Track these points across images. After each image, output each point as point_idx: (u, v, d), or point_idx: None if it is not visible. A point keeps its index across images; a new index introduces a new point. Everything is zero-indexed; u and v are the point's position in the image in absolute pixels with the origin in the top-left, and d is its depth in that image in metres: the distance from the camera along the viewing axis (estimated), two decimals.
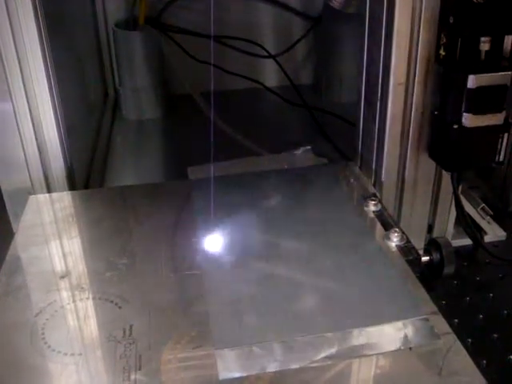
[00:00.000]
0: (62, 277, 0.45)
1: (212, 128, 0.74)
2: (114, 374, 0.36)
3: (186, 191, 0.58)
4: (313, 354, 0.38)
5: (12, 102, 0.55)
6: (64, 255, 0.49)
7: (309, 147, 0.81)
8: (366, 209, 0.54)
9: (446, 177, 0.59)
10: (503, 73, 0.50)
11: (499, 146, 0.54)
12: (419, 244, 0.55)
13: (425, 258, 0.50)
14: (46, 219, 0.54)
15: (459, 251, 0.60)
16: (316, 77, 1.08)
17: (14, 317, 0.42)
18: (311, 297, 0.44)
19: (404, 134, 0.57)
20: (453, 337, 0.39)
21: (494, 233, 0.67)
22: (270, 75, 1.07)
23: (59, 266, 0.47)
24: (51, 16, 0.57)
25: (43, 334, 0.40)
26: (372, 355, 0.38)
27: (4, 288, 0.44)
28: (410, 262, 0.47)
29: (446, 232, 0.65)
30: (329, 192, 0.58)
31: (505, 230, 0.67)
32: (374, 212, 0.54)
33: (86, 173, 0.78)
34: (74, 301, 0.43)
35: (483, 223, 0.66)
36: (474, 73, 0.50)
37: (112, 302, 0.43)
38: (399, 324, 0.40)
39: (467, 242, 0.62)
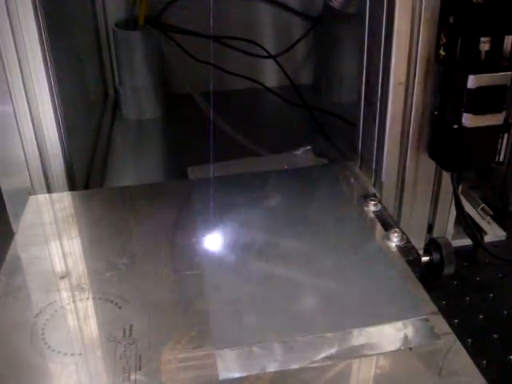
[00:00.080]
0: (62, 277, 0.45)
1: (212, 128, 0.74)
2: (114, 374, 0.36)
3: (186, 191, 0.58)
4: (313, 354, 0.38)
5: (12, 101, 0.55)
6: (64, 255, 0.49)
7: (309, 147, 0.81)
8: (365, 209, 0.54)
9: (446, 177, 0.59)
10: (503, 73, 0.50)
11: (499, 146, 0.54)
12: (419, 244, 0.55)
13: (425, 258, 0.50)
14: (46, 219, 0.54)
15: (459, 251, 0.60)
16: (316, 77, 1.08)
17: (14, 317, 0.42)
18: (311, 297, 0.44)
19: (404, 134, 0.57)
20: (453, 337, 0.39)
21: (494, 233, 0.67)
22: (270, 75, 1.07)
23: (59, 266, 0.47)
24: (51, 16, 0.57)
25: (43, 334, 0.40)
26: (372, 355, 0.38)
27: (4, 288, 0.44)
28: (409, 262, 0.47)
29: (446, 232, 0.65)
30: (329, 192, 0.58)
31: (505, 230, 0.67)
32: (373, 212, 0.54)
33: (86, 173, 0.78)
34: (74, 301, 0.43)
35: (483, 223, 0.66)
36: (474, 73, 0.50)
37: (112, 302, 0.43)
38: (399, 324, 0.40)
39: (467, 242, 0.62)
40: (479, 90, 0.50)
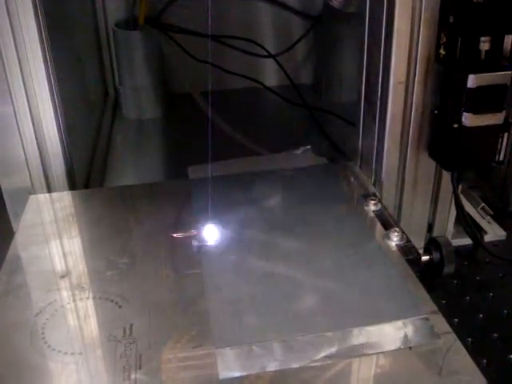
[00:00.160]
0: (63, 276, 0.46)
1: (212, 127, 0.74)
2: (114, 374, 0.37)
3: (186, 191, 0.58)
4: (313, 353, 0.38)
5: (12, 101, 0.55)
6: (64, 255, 0.49)
7: (309, 147, 0.81)
8: (366, 208, 0.54)
9: (446, 176, 0.59)
10: (503, 72, 0.50)
11: (499, 146, 0.54)
12: (419, 243, 0.55)
13: (425, 258, 0.50)
14: (46, 219, 0.54)
15: (459, 251, 0.60)
16: (316, 76, 1.08)
17: (14, 316, 0.42)
18: (311, 296, 0.44)
19: (404, 133, 0.57)
20: (453, 336, 0.39)
21: (494, 232, 0.67)
22: (270, 75, 1.07)
23: (59, 265, 0.47)
24: (51, 16, 0.57)
25: (43, 333, 0.40)
26: (372, 354, 0.38)
27: (4, 287, 0.44)
28: (409, 262, 0.47)
29: (446, 231, 0.65)
30: (329, 192, 0.58)
31: (505, 230, 0.67)
32: (374, 211, 0.54)
33: (86, 172, 0.78)
34: (74, 300, 0.43)
35: (483, 223, 0.66)
36: (474, 72, 0.50)
37: (112, 301, 0.43)
38: (399, 323, 0.40)
39: (467, 241, 0.62)
40: (479, 89, 0.50)
